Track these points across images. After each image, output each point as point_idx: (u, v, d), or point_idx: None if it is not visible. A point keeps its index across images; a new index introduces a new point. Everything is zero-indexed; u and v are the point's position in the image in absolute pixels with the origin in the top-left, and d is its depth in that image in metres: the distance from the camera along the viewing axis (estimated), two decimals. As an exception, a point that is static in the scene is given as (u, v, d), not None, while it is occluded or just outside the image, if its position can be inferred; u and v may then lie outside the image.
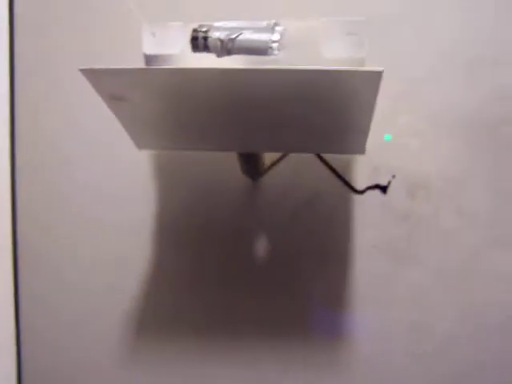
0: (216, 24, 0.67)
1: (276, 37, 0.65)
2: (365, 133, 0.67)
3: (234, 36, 0.65)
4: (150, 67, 0.65)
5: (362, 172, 0.88)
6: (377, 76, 0.56)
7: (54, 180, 0.94)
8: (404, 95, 0.87)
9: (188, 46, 0.67)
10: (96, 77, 0.59)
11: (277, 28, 0.66)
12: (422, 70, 0.86)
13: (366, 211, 0.88)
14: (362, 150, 0.71)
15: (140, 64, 0.69)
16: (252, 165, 0.80)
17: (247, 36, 0.65)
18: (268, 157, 0.86)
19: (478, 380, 0.84)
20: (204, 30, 0.66)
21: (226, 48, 0.65)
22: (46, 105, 0.94)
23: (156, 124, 0.68)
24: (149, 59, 0.69)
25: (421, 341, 0.85)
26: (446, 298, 0.85)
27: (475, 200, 0.85)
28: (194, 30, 0.66)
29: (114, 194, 0.92)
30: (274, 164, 0.87)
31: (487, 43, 0.85)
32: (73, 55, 0.92)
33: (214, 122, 0.66)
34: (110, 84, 0.61)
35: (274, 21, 0.66)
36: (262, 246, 0.89)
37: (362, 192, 0.89)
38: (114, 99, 0.62)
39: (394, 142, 0.87)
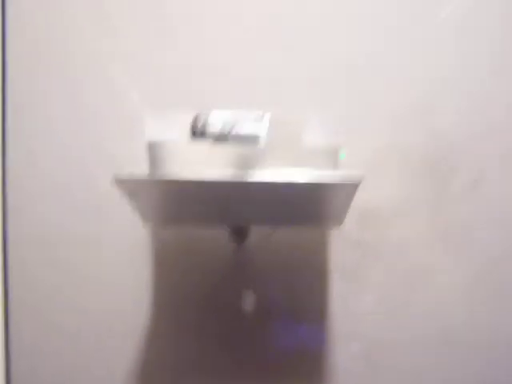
0: (212, 114, 0.76)
1: (264, 128, 0.76)
2: (342, 216, 0.81)
3: (228, 128, 0.75)
4: (160, 178, 0.72)
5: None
6: (353, 187, 0.69)
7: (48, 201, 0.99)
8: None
9: (187, 132, 0.77)
10: (122, 183, 0.69)
11: (265, 118, 0.76)
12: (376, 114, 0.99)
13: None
14: (339, 224, 0.85)
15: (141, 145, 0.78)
16: (241, 233, 0.91)
17: (240, 127, 0.76)
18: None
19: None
20: (202, 120, 0.76)
21: (222, 137, 0.76)
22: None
23: (161, 209, 0.79)
24: (151, 145, 0.77)
25: (370, 349, 1.00)
26: (389, 312, 1.00)
27: (417, 226, 1.00)
28: (194, 121, 0.76)
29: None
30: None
31: (428, 93, 0.99)
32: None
33: (211, 207, 0.77)
34: (130, 187, 0.70)
35: (262, 112, 0.76)
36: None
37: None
38: (131, 195, 0.72)
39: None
